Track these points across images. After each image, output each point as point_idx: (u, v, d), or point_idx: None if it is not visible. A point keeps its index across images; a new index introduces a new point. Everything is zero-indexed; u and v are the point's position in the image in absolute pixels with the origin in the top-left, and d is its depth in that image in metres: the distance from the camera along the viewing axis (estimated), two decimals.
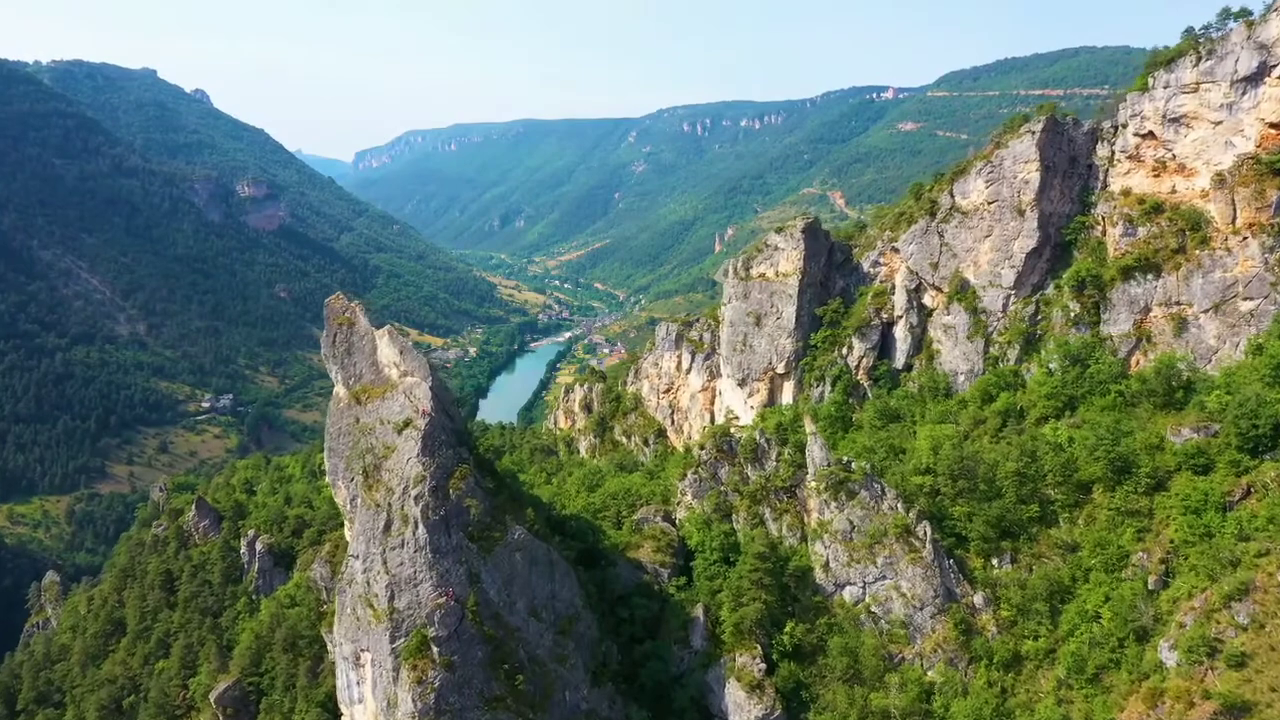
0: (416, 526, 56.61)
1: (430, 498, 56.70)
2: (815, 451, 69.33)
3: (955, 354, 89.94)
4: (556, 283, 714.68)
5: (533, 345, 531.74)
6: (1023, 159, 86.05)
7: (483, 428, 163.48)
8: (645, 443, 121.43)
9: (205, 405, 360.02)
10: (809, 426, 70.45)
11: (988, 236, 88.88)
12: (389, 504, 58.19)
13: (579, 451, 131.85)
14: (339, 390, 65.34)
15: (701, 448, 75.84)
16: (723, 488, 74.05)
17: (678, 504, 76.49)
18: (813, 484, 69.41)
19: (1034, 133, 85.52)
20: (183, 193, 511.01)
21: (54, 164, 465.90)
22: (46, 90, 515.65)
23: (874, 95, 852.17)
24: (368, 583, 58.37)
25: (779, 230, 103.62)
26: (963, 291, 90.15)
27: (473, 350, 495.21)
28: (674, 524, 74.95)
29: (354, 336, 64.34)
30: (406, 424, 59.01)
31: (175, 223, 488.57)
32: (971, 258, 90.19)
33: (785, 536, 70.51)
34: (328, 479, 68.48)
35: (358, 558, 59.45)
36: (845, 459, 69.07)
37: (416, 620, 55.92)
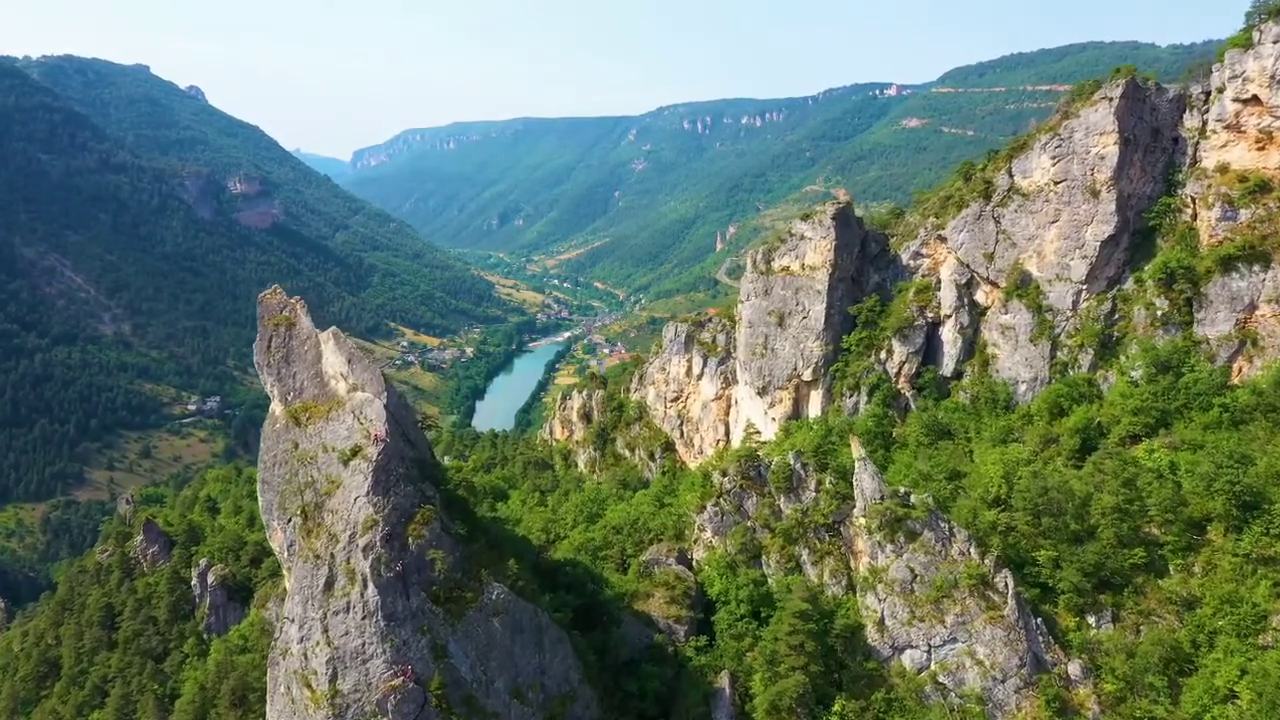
0: (365, 585, 43.85)
1: (383, 548, 43.91)
2: (865, 480, 56.47)
3: (1015, 359, 77.17)
4: (555, 282, 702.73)
5: (531, 345, 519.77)
6: (1097, 130, 73.25)
7: (473, 437, 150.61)
8: (651, 457, 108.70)
9: (191, 408, 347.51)
10: (856, 449, 57.58)
11: (1054, 222, 76.07)
12: (331, 555, 45.40)
13: (577, 465, 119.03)
14: (275, 407, 52.54)
15: (723, 474, 62.93)
16: (750, 523, 61.13)
17: (694, 542, 63.57)
18: (862, 520, 56.56)
19: (1111, 99, 72.70)
20: (172, 189, 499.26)
21: (39, 159, 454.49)
22: (33, 84, 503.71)
23: (877, 92, 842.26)
24: (305, 655, 45.57)
25: (805, 217, 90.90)
26: (1024, 286, 77.40)
27: (470, 350, 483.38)
28: (690, 566, 62.08)
29: (293, 341, 51.51)
30: (354, 452, 46.20)
31: (164, 220, 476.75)
32: (1034, 247, 77.38)
33: (827, 584, 57.64)
34: (262, 517, 55.87)
35: (294, 622, 46.64)
36: (903, 490, 56.19)
37: (365, 707, 43.23)
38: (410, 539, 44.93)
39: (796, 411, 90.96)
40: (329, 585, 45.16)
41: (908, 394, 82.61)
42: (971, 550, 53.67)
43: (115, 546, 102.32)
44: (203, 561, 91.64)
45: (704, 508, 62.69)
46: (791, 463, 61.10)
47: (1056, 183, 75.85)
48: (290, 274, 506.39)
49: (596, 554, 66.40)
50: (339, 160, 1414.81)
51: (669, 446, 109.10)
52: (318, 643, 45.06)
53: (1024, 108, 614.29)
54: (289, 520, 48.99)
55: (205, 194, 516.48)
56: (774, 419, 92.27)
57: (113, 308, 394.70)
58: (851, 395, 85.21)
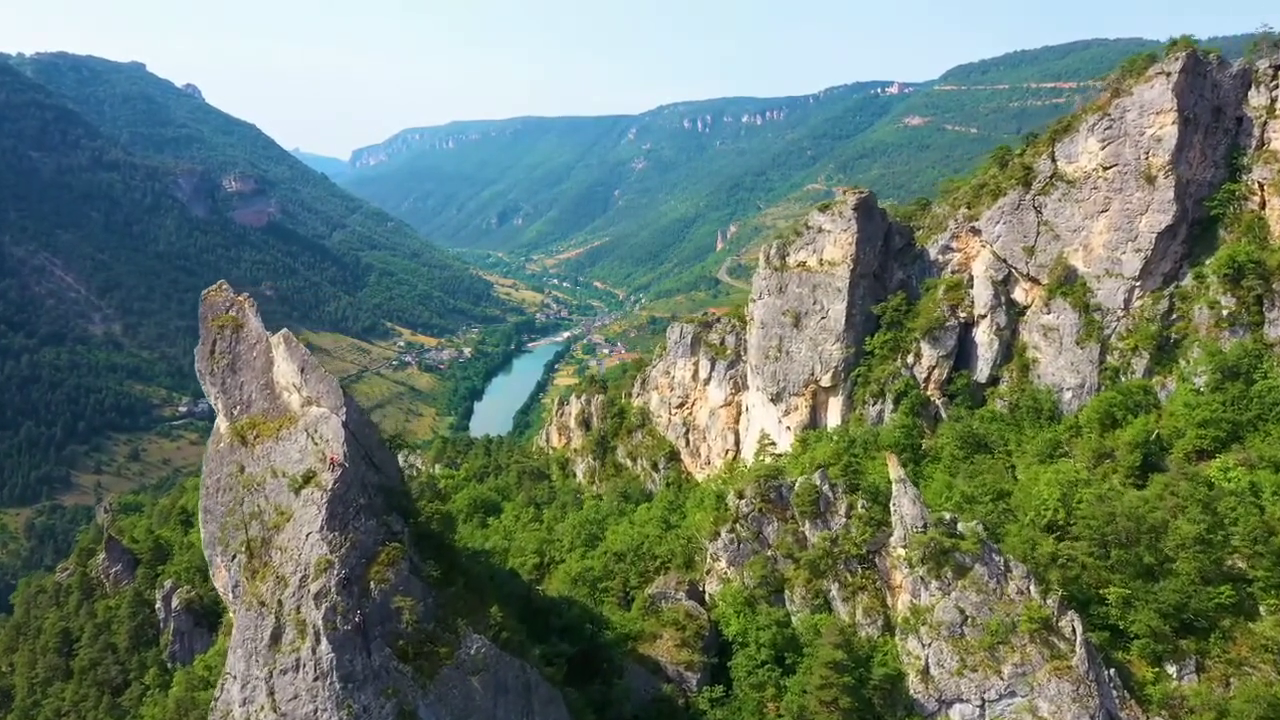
0: (318, 640, 36.43)
1: (339, 595, 36.51)
2: (905, 505, 49.03)
3: (1059, 364, 69.71)
4: (555, 281, 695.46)
5: (530, 345, 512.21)
6: (1153, 109, 65.77)
7: (466, 443, 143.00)
8: (654, 467, 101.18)
9: (182, 409, 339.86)
10: (894, 469, 50.15)
11: (1103, 212, 68.59)
12: (279, 602, 37.97)
13: (575, 475, 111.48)
14: (219, 423, 45.11)
15: (739, 495, 55.44)
16: (770, 552, 53.66)
17: (707, 573, 56.11)
18: (901, 551, 49.16)
19: (1169, 74, 65.19)
20: (166, 187, 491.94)
21: (30, 157, 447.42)
22: (24, 81, 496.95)
23: (878, 90, 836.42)
24: None
25: (823, 208, 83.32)
26: (1068, 283, 69.95)
27: (468, 351, 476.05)
28: (703, 602, 54.63)
29: (240, 345, 44.09)
30: (307, 479, 38.79)
31: (157, 218, 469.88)
32: (1080, 239, 69.92)
33: (861, 624, 50.22)
34: (204, 552, 48.41)
35: (235, 680, 39.21)
36: (949, 516, 48.71)
37: None
38: (372, 583, 37.50)
39: (814, 420, 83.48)
40: (275, 638, 37.72)
41: (938, 402, 75.14)
42: (1031, 588, 46.22)
43: (77, 565, 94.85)
44: (168, 583, 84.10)
45: (718, 534, 55.17)
46: (818, 483, 53.58)
47: (1106, 168, 68.36)
48: (286, 273, 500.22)
49: (596, 585, 58.89)
50: (338, 160, 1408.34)
51: (673, 456, 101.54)
52: (262, 707, 37.65)
53: (1028, 105, 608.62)
54: (233, 557, 41.54)
55: (199, 192, 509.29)
56: (789, 428, 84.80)
57: (103, 307, 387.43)
58: (875, 403, 77.73)
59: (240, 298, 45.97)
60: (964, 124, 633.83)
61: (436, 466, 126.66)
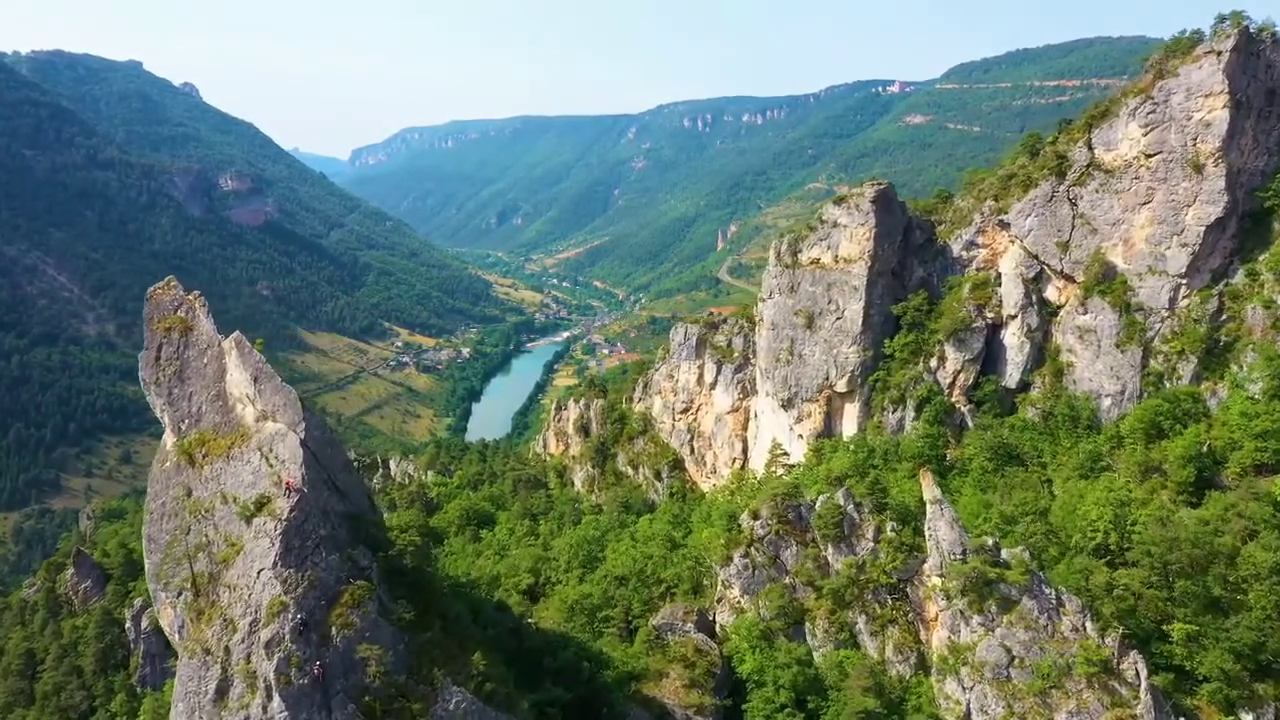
0: (270, 695, 31.12)
1: (294, 644, 31.17)
2: (942, 529, 43.66)
3: (1097, 369, 64.37)
4: (554, 281, 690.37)
5: (530, 345, 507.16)
6: (1201, 91, 60.42)
7: (461, 449, 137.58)
8: (657, 476, 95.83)
9: None
10: (929, 489, 44.71)
11: (1145, 203, 63.24)
12: (226, 650, 32.67)
13: (573, 484, 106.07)
14: (166, 439, 39.78)
15: (754, 516, 50.06)
16: (789, 580, 48.28)
17: (718, 601, 50.65)
18: (938, 581, 43.82)
19: (1219, 54, 59.85)
20: (161, 186, 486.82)
21: (23, 155, 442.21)
22: (18, 78, 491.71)
23: (879, 89, 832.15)
24: None
25: (838, 201, 77.99)
26: (1107, 281, 64.64)
27: (466, 351, 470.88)
28: (713, 634, 49.22)
29: (190, 351, 38.78)
30: (260, 506, 33.49)
31: (152, 217, 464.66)
32: (1120, 233, 64.58)
33: (892, 661, 44.87)
34: (148, 586, 43.05)
35: None
36: (990, 541, 43.29)
37: None
38: (334, 629, 32.15)
39: (828, 428, 78.17)
40: (221, 693, 32.40)
41: (963, 409, 69.79)
42: (1088, 625, 40.80)
43: (45, 580, 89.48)
44: (138, 601, 78.71)
45: (730, 558, 49.72)
46: (841, 503, 48.17)
47: (1149, 156, 63.02)
48: (283, 272, 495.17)
49: (594, 615, 53.41)
50: (337, 159, 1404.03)
51: (677, 464, 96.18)
52: None
53: (1031, 104, 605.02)
54: (178, 594, 36.19)
55: (195, 191, 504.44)
56: (801, 436, 79.49)
57: (97, 307, 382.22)
58: (895, 410, 72.38)
59: (190, 296, 40.64)
60: (966, 123, 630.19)
61: (429, 473, 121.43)
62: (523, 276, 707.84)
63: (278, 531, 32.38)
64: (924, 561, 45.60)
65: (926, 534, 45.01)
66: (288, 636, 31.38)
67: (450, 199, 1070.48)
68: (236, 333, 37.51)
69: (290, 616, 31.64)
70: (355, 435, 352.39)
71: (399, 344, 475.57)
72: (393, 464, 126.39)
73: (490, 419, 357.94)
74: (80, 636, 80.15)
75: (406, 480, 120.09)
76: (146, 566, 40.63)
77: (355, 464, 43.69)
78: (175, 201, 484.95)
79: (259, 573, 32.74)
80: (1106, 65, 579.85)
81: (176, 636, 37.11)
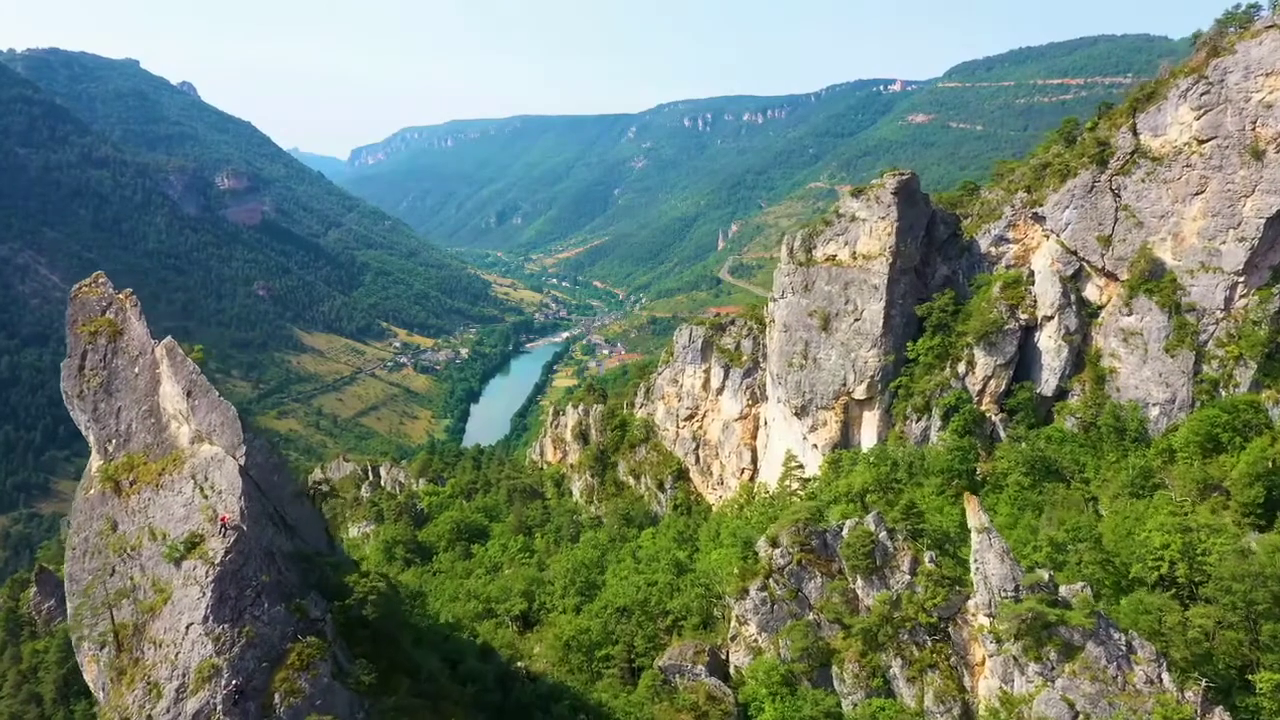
0: None
1: (227, 718, 25.45)
2: (991, 561, 38.06)
3: (1144, 375, 58.78)
4: (554, 281, 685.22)
5: (529, 346, 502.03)
6: (1262, 70, 54.80)
7: (455, 455, 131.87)
8: (660, 487, 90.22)
9: None
10: (976, 515, 39.06)
11: (1198, 194, 57.64)
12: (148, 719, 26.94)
13: (572, 494, 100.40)
14: (91, 463, 34.22)
15: (773, 543, 44.48)
16: (813, 616, 42.68)
17: (733, 638, 45.03)
18: (986, 622, 38.22)
19: None
20: (156, 184, 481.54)
21: (16, 153, 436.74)
22: (12, 76, 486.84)
23: (881, 88, 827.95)
24: None
25: (857, 193, 72.36)
26: (1154, 279, 59.06)
27: (465, 351, 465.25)
28: (727, 677, 43.61)
29: (119, 359, 33.22)
30: (192, 547, 27.90)
31: (147, 216, 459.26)
32: (1169, 226, 58.99)
33: (932, 712, 39.28)
34: (70, 635, 37.40)
35: None
36: (1048, 575, 37.69)
37: None
38: (278, 696, 26.61)
39: (845, 438, 72.61)
40: None
41: (995, 419, 64.22)
42: (1164, 676, 35.21)
43: (7, 599, 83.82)
44: None
45: (746, 591, 44.06)
46: (872, 529, 42.53)
47: (1202, 141, 57.43)
48: (279, 272, 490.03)
49: (593, 653, 47.73)
50: (337, 159, 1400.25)
51: (681, 475, 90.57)
52: None
53: (1035, 102, 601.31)
54: (101, 646, 30.58)
55: (191, 189, 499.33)
56: (815, 446, 73.93)
57: None
58: (919, 419, 66.83)
59: (121, 295, 34.97)
60: (969, 121, 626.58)
61: (420, 481, 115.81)
62: (522, 276, 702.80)
63: (209, 578, 26.86)
64: (968, 598, 40.02)
65: (972, 567, 39.44)
66: (219, 708, 25.91)
67: (450, 198, 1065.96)
68: (168, 338, 31.93)
69: (223, 682, 26.13)
70: (352, 437, 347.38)
71: (397, 344, 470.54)
72: (383, 471, 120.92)
73: (489, 420, 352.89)
74: (41, 661, 74.53)
75: (396, 489, 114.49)
76: (68, 609, 35.05)
77: (312, 491, 37.93)
78: (170, 200, 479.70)
79: (188, 628, 27.21)
80: (1111, 63, 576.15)
81: (101, 695, 31.53)
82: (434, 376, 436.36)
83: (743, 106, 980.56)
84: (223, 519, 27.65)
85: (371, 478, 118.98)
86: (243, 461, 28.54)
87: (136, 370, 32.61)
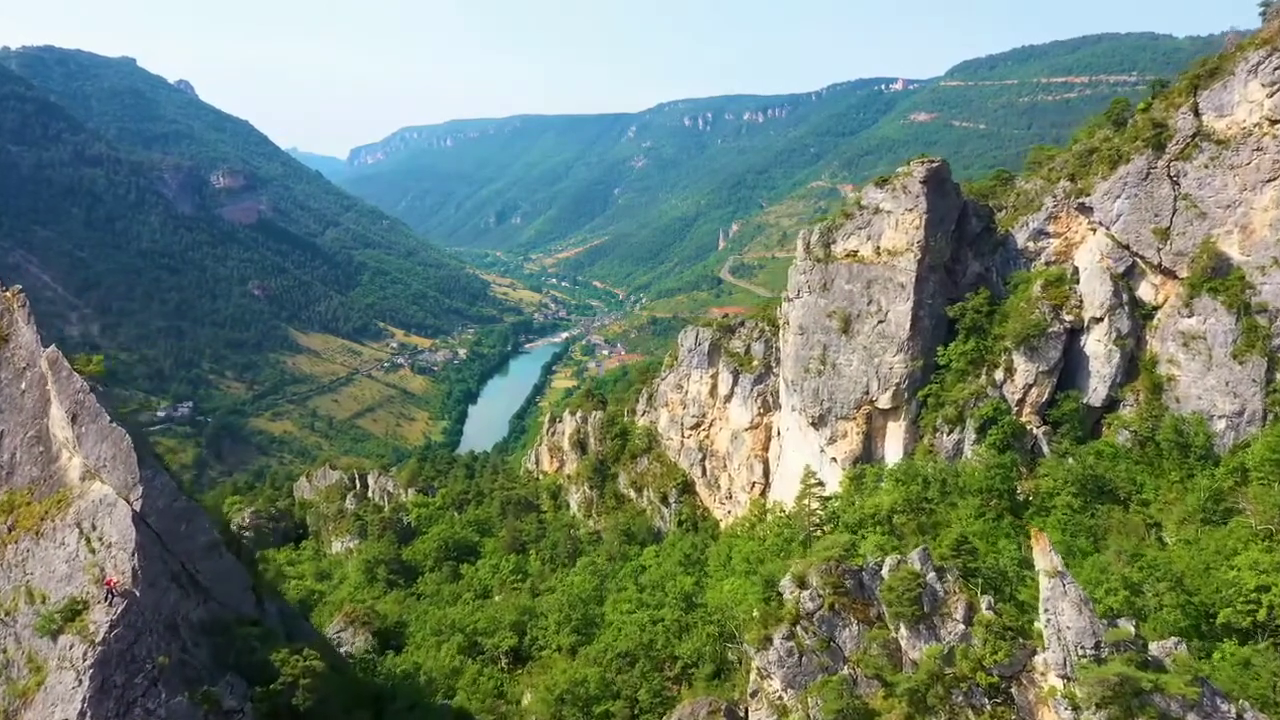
0: None
1: None
2: (1066, 612, 31.77)
3: (1208, 384, 52.49)
4: (553, 281, 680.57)
5: (528, 346, 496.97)
6: None
7: (447, 462, 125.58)
8: (664, 500, 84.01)
9: (160, 414, 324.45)
10: (1045, 556, 32.75)
11: (1270, 180, 51.35)
12: None
13: (569, 507, 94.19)
14: None
15: (801, 584, 38.27)
16: (849, 671, 36.37)
17: (753, 694, 38.76)
18: (1058, 683, 31.93)
19: None
20: (151, 183, 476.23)
21: (8, 151, 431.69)
22: (5, 73, 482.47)
23: (882, 87, 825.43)
24: None
25: (881, 183, 66.07)
26: (1220, 276, 52.75)
27: (463, 352, 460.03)
28: None
29: (2, 370, 26.86)
30: (72, 616, 21.39)
31: (141, 215, 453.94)
32: (1236, 217, 52.70)
33: None
34: None
35: None
36: (1133, 630, 31.44)
37: None
38: None
39: (867, 451, 66.37)
40: None
41: (1037, 432, 57.97)
42: None
43: None
44: None
45: (769, 640, 37.71)
46: (919, 568, 36.21)
47: (1274, 121, 51.17)
48: (275, 271, 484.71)
49: (590, 709, 41.45)
50: (336, 158, 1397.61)
51: (687, 488, 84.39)
52: None
53: (1038, 100, 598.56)
54: None
55: (186, 188, 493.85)
56: (834, 459, 67.72)
57: (81, 307, 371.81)
58: (951, 431, 60.58)
59: (9, 293, 28.65)
60: (972, 120, 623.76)
61: (410, 491, 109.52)
62: (521, 276, 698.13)
63: (88, 661, 20.49)
64: (1034, 653, 33.74)
65: (1042, 618, 33.16)
66: None
67: (449, 198, 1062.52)
68: (52, 348, 25.60)
69: None
70: (347, 439, 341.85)
71: (394, 345, 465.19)
72: (370, 480, 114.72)
73: (487, 422, 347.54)
74: None
75: (384, 500, 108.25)
76: None
77: (234, 541, 31.39)
78: (165, 199, 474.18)
79: None
80: (1115, 61, 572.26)
81: None
82: (431, 377, 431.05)
83: (743, 106, 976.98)
84: (108, 583, 21.51)
85: (358, 487, 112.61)
86: (138, 506, 22.35)
87: (23, 386, 26.41)
